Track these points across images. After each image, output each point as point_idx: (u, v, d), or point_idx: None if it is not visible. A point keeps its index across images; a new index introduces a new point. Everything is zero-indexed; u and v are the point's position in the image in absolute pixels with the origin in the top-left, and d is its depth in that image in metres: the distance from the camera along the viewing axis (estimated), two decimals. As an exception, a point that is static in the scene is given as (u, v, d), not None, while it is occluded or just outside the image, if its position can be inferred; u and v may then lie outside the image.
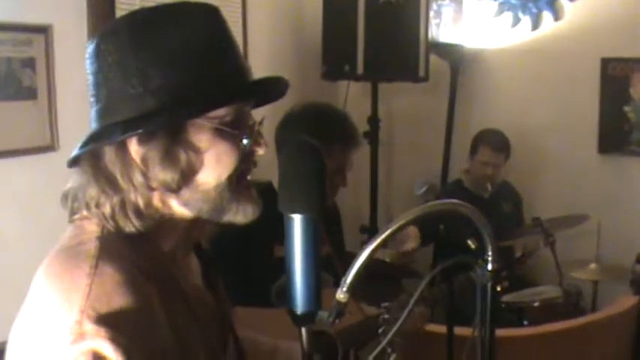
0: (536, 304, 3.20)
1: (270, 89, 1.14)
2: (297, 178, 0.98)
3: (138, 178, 1.02)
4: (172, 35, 1.01)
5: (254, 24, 3.97)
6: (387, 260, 3.69)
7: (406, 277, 3.76)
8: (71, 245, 1.00)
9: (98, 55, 1.03)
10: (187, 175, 1.02)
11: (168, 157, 1.01)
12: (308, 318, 1.00)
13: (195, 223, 1.09)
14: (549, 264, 3.38)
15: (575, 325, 2.71)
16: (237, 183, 1.06)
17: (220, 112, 1.03)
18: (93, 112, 1.06)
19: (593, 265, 3.61)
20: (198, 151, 1.02)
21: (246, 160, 1.06)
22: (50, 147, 2.83)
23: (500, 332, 2.67)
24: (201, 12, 1.06)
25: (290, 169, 0.98)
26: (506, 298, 3.20)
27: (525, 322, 3.14)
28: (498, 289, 0.93)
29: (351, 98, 4.24)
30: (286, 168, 0.98)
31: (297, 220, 0.99)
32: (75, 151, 1.04)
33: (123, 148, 1.02)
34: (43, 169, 2.81)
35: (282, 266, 2.20)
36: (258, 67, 4.20)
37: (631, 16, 3.95)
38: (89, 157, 1.03)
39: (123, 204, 1.02)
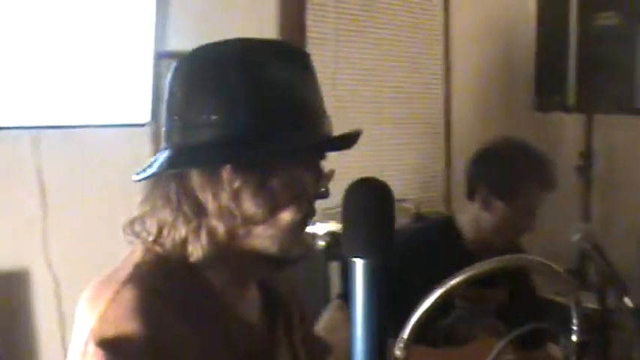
0: None
1: (345, 142, 1.12)
2: (359, 216, 0.86)
3: (227, 205, 1.02)
4: (273, 72, 1.03)
5: (456, 49, 3.84)
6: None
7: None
8: (113, 271, 1.03)
9: (195, 74, 1.04)
10: (273, 211, 1.03)
11: (262, 191, 1.02)
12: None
13: (255, 258, 1.07)
14: None
15: None
16: (303, 224, 1.07)
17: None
18: (176, 129, 1.05)
19: None
20: (286, 188, 1.04)
21: (312, 204, 1.09)
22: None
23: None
24: (297, 55, 1.08)
25: (352, 205, 0.87)
26: None
27: None
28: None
29: (566, 131, 3.94)
30: (348, 204, 0.87)
31: (358, 266, 0.86)
32: (157, 169, 1.02)
33: (216, 173, 1.01)
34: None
35: (449, 305, 2.08)
36: (462, 94, 4.08)
37: None
38: (175, 178, 1.02)
39: (199, 229, 1.02)
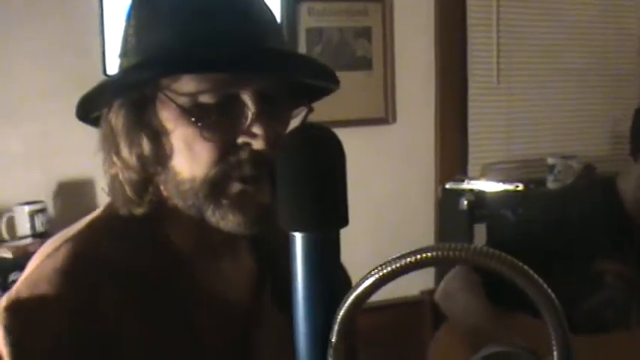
0: None
1: (297, 69, 0.86)
2: (294, 181, 0.69)
3: (112, 153, 0.88)
4: None
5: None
6: None
7: None
8: (69, 228, 0.90)
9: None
10: (156, 159, 0.85)
11: (130, 134, 0.85)
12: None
13: (198, 220, 0.87)
14: None
15: None
16: (220, 185, 0.84)
17: (187, 87, 0.82)
18: None
19: None
20: (165, 133, 0.85)
21: (234, 154, 0.83)
22: (384, 119, 2.76)
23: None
24: None
25: (286, 168, 0.70)
26: None
27: None
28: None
29: None
30: (282, 166, 0.70)
31: (297, 240, 0.70)
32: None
33: (107, 116, 0.87)
34: (376, 141, 2.76)
35: (596, 283, 1.80)
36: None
37: None
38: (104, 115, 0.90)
39: (117, 180, 0.88)
